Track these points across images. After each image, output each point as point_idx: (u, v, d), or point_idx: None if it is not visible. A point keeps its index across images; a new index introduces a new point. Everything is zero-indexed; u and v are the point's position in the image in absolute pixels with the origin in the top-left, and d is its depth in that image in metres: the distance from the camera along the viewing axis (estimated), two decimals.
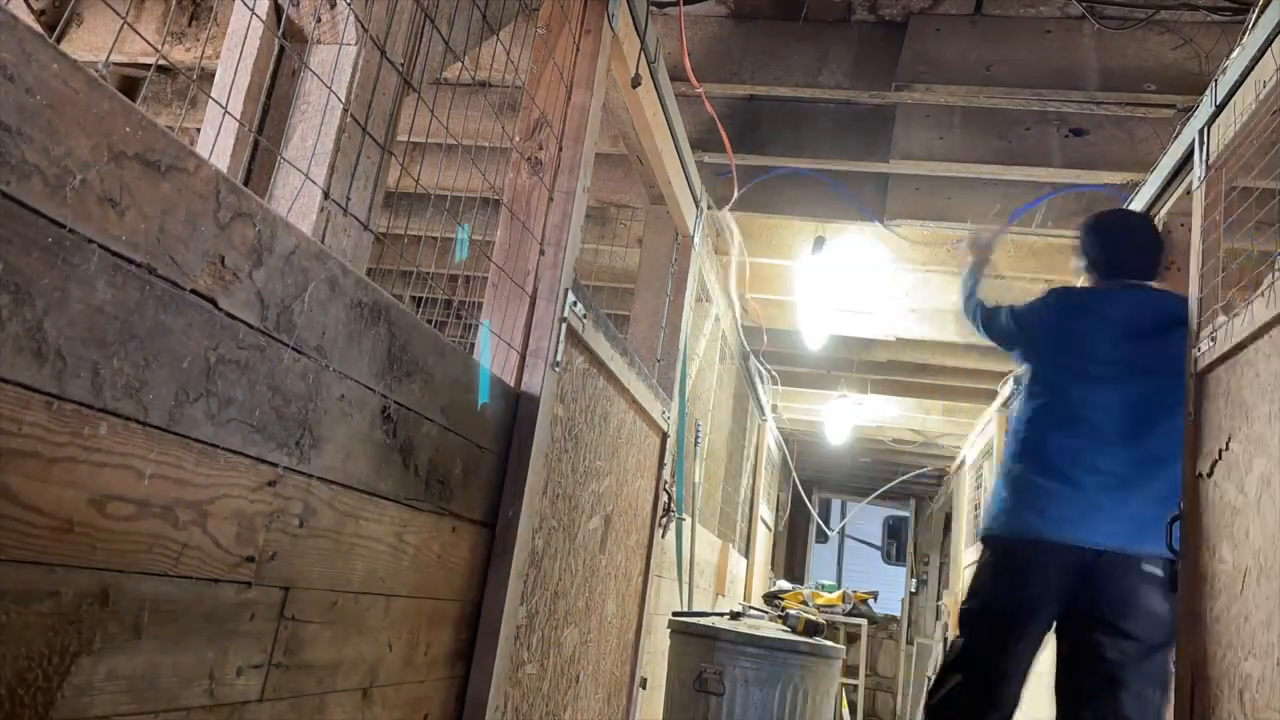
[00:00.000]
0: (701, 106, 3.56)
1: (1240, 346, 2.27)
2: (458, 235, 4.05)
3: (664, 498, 3.54)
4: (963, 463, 8.44)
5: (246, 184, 1.55)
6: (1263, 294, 2.13)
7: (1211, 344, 2.44)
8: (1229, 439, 2.32)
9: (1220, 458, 2.36)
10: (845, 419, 8.32)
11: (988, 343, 3.34)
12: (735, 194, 4.05)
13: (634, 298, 3.72)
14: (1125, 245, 3.00)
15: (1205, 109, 2.70)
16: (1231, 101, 2.52)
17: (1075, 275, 3.21)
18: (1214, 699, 2.25)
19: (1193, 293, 2.61)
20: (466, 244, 3.82)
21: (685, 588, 4.41)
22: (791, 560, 13.09)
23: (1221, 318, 2.43)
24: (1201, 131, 2.73)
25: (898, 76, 3.39)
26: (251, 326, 1.20)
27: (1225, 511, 2.31)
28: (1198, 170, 2.72)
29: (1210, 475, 2.42)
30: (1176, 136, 2.88)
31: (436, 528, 1.76)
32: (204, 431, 1.13)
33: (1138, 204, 3.25)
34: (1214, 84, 2.52)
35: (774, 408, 8.22)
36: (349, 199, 1.58)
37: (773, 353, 6.75)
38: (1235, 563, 2.23)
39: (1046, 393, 2.91)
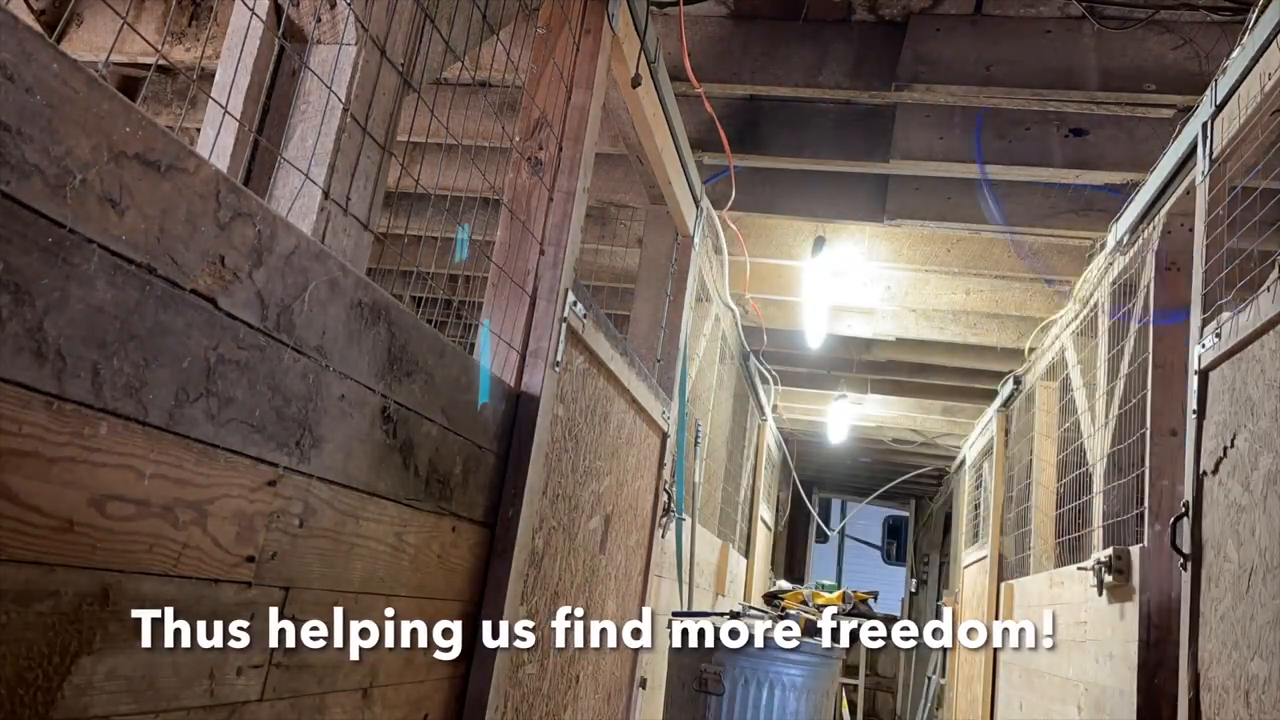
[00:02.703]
0: (701, 106, 3.56)
1: (1245, 343, 2.26)
2: (458, 235, 4.05)
3: (664, 498, 3.54)
4: (963, 463, 8.44)
5: (246, 184, 1.55)
6: (1268, 289, 2.12)
7: (1216, 340, 2.42)
8: (1234, 435, 2.30)
9: (1225, 455, 2.34)
10: (845, 419, 8.32)
11: None
12: (732, 194, 4.05)
13: (634, 298, 3.72)
14: None
15: (1208, 105, 2.68)
16: (1236, 95, 2.49)
17: None
18: (1219, 700, 2.24)
19: (1195, 289, 2.61)
20: (466, 244, 3.82)
21: (685, 588, 4.41)
22: (791, 560, 13.09)
23: (1226, 314, 2.41)
24: (1205, 125, 2.70)
25: (898, 76, 3.39)
26: (251, 326, 1.20)
27: (1231, 509, 2.28)
28: (1201, 165, 2.70)
29: (1215, 472, 2.39)
30: (1177, 136, 2.88)
31: (436, 528, 1.76)
32: (204, 431, 1.13)
33: (1138, 203, 3.25)
34: (1215, 81, 2.52)
35: (774, 408, 8.22)
36: (349, 199, 1.58)
37: (773, 353, 6.75)
38: (1241, 561, 2.20)
39: None
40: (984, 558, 6.24)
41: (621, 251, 5.08)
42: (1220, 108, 2.58)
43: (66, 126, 0.92)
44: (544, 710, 2.40)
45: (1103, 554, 3.24)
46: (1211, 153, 2.63)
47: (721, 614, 3.91)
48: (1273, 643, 2.01)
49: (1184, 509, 2.55)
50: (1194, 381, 2.55)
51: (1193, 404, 2.56)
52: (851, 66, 3.50)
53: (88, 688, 1.00)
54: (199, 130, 1.58)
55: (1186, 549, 2.50)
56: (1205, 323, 2.56)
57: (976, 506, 7.23)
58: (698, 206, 3.80)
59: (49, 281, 0.91)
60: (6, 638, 0.90)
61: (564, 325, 2.19)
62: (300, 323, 1.29)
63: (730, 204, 4.09)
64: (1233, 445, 2.30)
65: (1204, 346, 2.52)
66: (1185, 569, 2.51)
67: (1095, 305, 4.02)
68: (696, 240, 3.82)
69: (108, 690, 1.03)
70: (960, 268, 4.89)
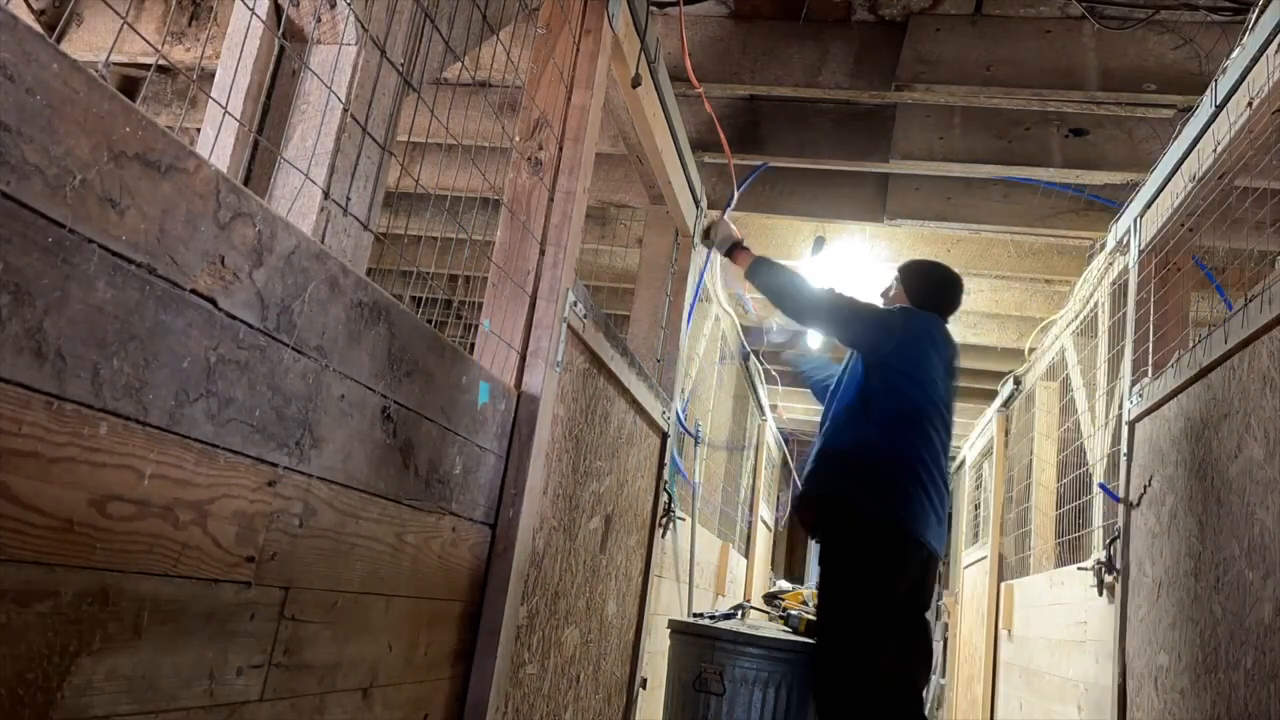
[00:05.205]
0: (701, 106, 3.56)
1: (1158, 405, 2.79)
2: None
3: (664, 498, 3.54)
4: (962, 463, 8.44)
5: (246, 184, 1.55)
6: (1172, 365, 2.66)
7: (1140, 399, 2.97)
8: (1151, 477, 2.82)
9: (1145, 492, 2.87)
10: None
11: (818, 322, 3.42)
12: (735, 192, 4.05)
13: (634, 298, 3.72)
14: (952, 293, 3.48)
15: (1137, 204, 3.19)
16: (1157, 201, 3.03)
17: (884, 300, 3.54)
18: (1138, 685, 2.79)
19: (1127, 354, 3.17)
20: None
21: (685, 589, 4.41)
22: (791, 560, 13.09)
23: (1146, 379, 2.94)
24: (1135, 222, 3.22)
25: (898, 76, 3.39)
26: (251, 326, 1.20)
27: (1148, 535, 2.82)
28: (1133, 254, 3.25)
29: (1138, 505, 2.93)
30: (1177, 136, 2.88)
31: (437, 528, 1.76)
32: (204, 431, 1.13)
33: (1138, 203, 3.25)
34: (1215, 81, 2.53)
35: (774, 408, 8.21)
36: (349, 199, 1.58)
37: (773, 353, 6.75)
38: (1154, 577, 2.73)
39: (909, 403, 3.13)
40: (984, 558, 6.24)
41: (621, 251, 5.08)
42: (1148, 205, 3.08)
43: (66, 126, 0.92)
44: (545, 710, 2.40)
45: (1102, 554, 3.25)
46: (1140, 244, 3.19)
47: (720, 615, 3.91)
48: (1174, 640, 2.50)
49: (1116, 534, 3.09)
50: (1125, 430, 3.07)
51: (1124, 449, 3.08)
52: (851, 66, 3.50)
53: (88, 688, 1.00)
54: (199, 130, 1.59)
55: (1119, 566, 3.04)
56: (1134, 383, 3.06)
57: (976, 507, 7.23)
58: (698, 206, 3.80)
59: (49, 281, 0.91)
60: (6, 638, 0.90)
61: (565, 325, 2.19)
62: (300, 323, 1.29)
63: (732, 205, 4.09)
64: (1150, 485, 2.83)
65: (1132, 403, 3.04)
66: (1118, 582, 3.04)
67: (1095, 305, 4.03)
68: (697, 240, 3.82)
69: (108, 690, 1.03)
70: (960, 268, 4.87)
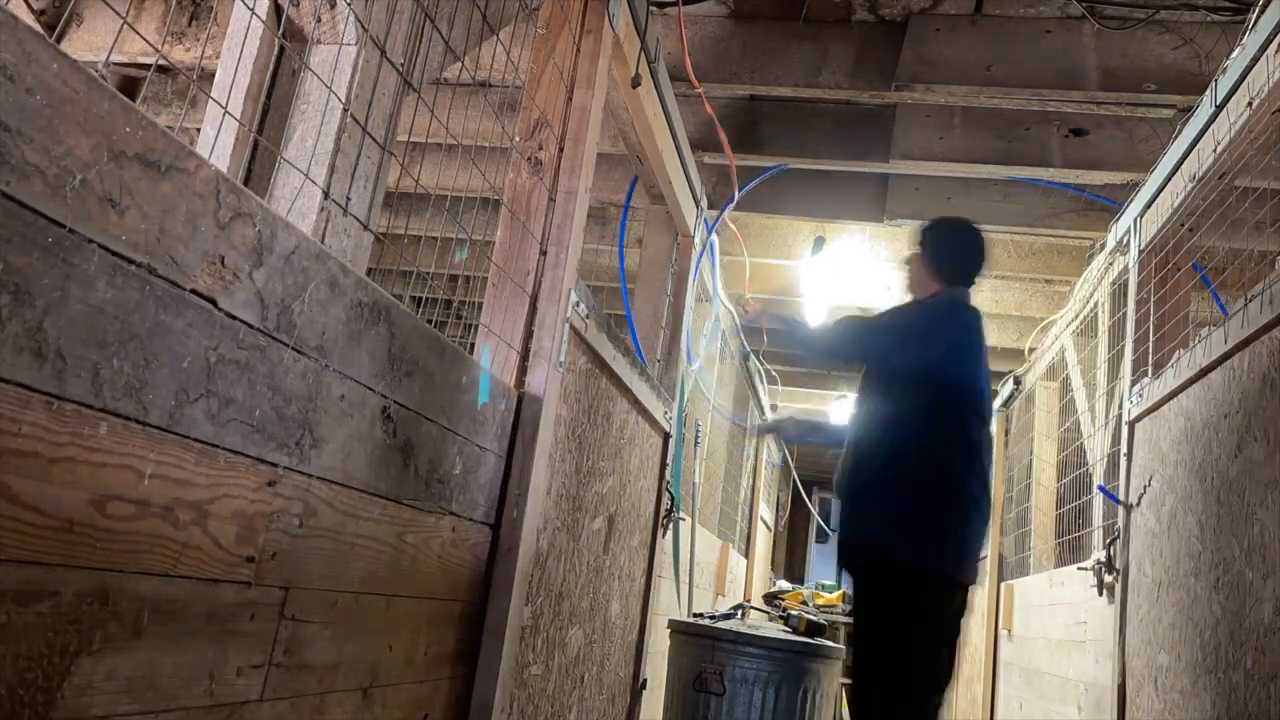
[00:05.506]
0: (701, 106, 3.56)
1: (1158, 405, 2.79)
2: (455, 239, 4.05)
3: (666, 499, 3.54)
4: None
5: (246, 184, 1.55)
6: (1172, 365, 2.67)
7: (1140, 399, 2.98)
8: (1151, 477, 2.83)
9: (1145, 492, 2.88)
10: (846, 418, 8.31)
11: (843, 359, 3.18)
12: (736, 193, 4.05)
13: (634, 297, 3.72)
14: (976, 256, 3.03)
15: (1137, 204, 3.20)
16: (1157, 201, 3.05)
17: (907, 269, 3.12)
18: (1137, 685, 2.78)
19: (1127, 354, 3.18)
20: (466, 249, 3.82)
21: (682, 589, 4.41)
22: (791, 560, 13.09)
23: (1146, 379, 2.96)
24: (1135, 222, 3.23)
25: (898, 76, 3.39)
26: (251, 326, 1.20)
27: (1148, 535, 2.82)
28: (1133, 254, 3.26)
29: (1138, 505, 2.94)
30: (1177, 136, 2.88)
31: (437, 528, 1.76)
32: (204, 431, 1.13)
33: (1138, 203, 3.25)
34: (1215, 81, 2.53)
35: (774, 407, 8.21)
36: (349, 199, 1.58)
37: (773, 352, 6.75)
38: (1154, 577, 2.74)
39: (949, 418, 2.79)
40: (984, 558, 6.24)
41: None
42: (1149, 205, 3.09)
43: (66, 126, 0.92)
44: (549, 711, 2.40)
45: (1102, 554, 3.25)
46: (1140, 245, 3.20)
47: (720, 615, 3.91)
48: (1174, 639, 2.50)
49: (1116, 534, 3.09)
50: (1125, 430, 3.08)
51: (1124, 449, 3.08)
52: (851, 66, 3.49)
53: (88, 688, 1.00)
54: (199, 130, 1.59)
55: (1119, 566, 3.03)
56: (1134, 383, 3.08)
57: None
58: (698, 206, 3.80)
59: (49, 281, 0.91)
60: (6, 638, 0.90)
61: (567, 326, 2.19)
62: (300, 323, 1.29)
63: (733, 205, 4.09)
64: (1150, 485, 2.83)
65: (1132, 403, 3.05)
66: (1118, 582, 3.03)
67: (1095, 305, 4.03)
68: (697, 240, 3.82)
69: (108, 690, 1.03)
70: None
